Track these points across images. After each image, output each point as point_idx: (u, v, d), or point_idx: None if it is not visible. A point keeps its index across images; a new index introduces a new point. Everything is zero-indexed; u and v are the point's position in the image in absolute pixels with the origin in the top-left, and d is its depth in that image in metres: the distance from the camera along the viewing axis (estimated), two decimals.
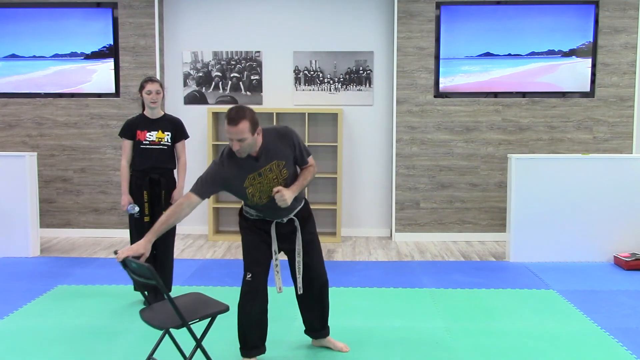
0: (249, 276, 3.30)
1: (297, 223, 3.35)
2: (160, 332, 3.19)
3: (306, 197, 3.47)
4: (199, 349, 3.01)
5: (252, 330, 3.34)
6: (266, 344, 3.46)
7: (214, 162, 3.22)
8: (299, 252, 3.36)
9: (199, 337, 3.01)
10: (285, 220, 3.33)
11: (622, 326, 4.02)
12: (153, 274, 2.73)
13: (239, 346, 3.41)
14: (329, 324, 3.67)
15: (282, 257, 3.46)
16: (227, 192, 3.25)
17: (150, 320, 2.90)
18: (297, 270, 3.38)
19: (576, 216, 5.73)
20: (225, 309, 3.02)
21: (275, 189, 3.14)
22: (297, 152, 3.28)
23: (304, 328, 3.67)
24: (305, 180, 3.30)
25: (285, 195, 3.12)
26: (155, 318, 2.93)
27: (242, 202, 3.36)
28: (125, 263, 2.93)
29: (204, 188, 3.16)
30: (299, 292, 3.43)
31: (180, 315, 2.82)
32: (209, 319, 3.01)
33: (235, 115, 3.00)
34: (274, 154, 3.19)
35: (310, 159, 3.39)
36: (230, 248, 6.37)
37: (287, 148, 3.23)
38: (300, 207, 3.39)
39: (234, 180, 3.16)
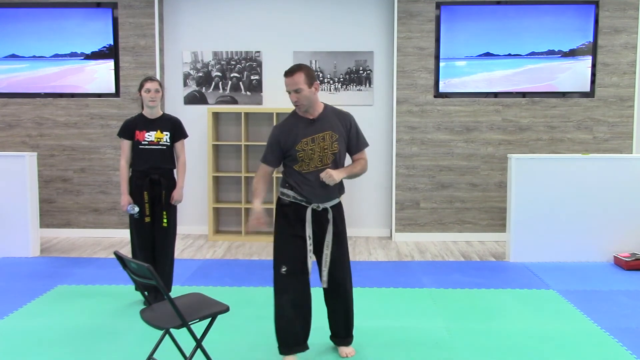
0: (283, 269, 3.28)
1: (330, 215, 3.36)
2: (161, 332, 3.19)
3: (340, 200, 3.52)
4: (199, 349, 3.01)
5: (288, 325, 3.29)
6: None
7: (274, 126, 3.42)
8: (327, 244, 3.34)
9: (199, 337, 3.01)
10: (320, 207, 3.33)
11: (622, 326, 4.02)
12: (153, 274, 2.73)
13: (274, 348, 3.39)
14: (353, 334, 3.60)
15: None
16: (285, 155, 3.34)
17: (150, 320, 2.90)
18: (323, 263, 3.35)
19: (576, 216, 5.73)
20: (226, 309, 3.02)
21: (323, 173, 3.26)
22: (353, 134, 3.42)
23: (330, 333, 3.61)
24: (355, 168, 3.42)
25: (333, 174, 3.24)
26: (155, 318, 2.93)
27: (281, 184, 3.41)
28: (125, 263, 2.93)
29: (267, 153, 3.37)
30: (324, 286, 3.40)
31: (180, 316, 2.82)
32: (209, 319, 3.01)
33: (292, 67, 3.25)
34: (330, 125, 3.33)
35: (365, 153, 3.49)
36: (230, 248, 6.37)
37: (342, 126, 3.37)
38: (337, 201, 3.44)
39: (289, 140, 3.28)
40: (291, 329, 3.30)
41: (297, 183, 3.31)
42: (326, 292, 3.48)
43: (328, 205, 3.36)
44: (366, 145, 3.51)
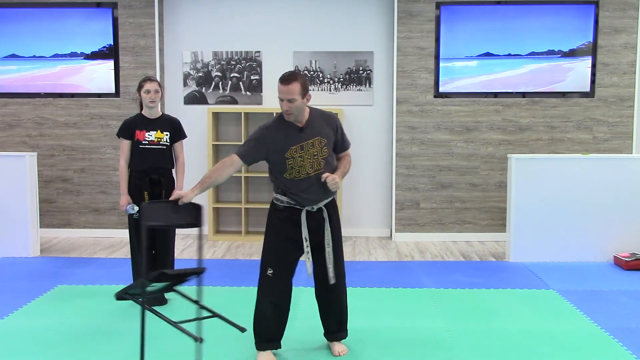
0: (270, 272, 3.33)
1: (325, 214, 3.37)
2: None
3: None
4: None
5: (266, 324, 3.38)
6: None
7: (260, 126, 3.33)
8: (328, 242, 3.37)
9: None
10: (315, 208, 3.34)
11: (622, 326, 4.02)
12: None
13: (253, 341, 3.47)
14: (347, 328, 3.63)
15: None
16: (268, 161, 3.31)
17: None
18: (327, 260, 3.37)
19: (576, 216, 5.73)
20: (201, 271, 3.05)
21: (324, 175, 3.24)
22: (339, 137, 3.44)
23: (323, 330, 3.64)
24: (346, 168, 3.47)
25: (337, 179, 3.26)
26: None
27: (274, 189, 3.39)
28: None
29: (246, 148, 3.27)
30: (331, 282, 3.40)
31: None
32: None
33: (289, 76, 3.18)
34: (319, 130, 3.32)
35: (349, 150, 3.52)
36: (230, 248, 6.37)
37: (330, 129, 3.38)
38: (331, 198, 3.44)
39: (277, 146, 3.25)
40: (268, 328, 3.40)
41: (290, 191, 3.31)
42: (319, 290, 3.51)
43: (322, 204, 3.38)
44: (350, 144, 3.57)
